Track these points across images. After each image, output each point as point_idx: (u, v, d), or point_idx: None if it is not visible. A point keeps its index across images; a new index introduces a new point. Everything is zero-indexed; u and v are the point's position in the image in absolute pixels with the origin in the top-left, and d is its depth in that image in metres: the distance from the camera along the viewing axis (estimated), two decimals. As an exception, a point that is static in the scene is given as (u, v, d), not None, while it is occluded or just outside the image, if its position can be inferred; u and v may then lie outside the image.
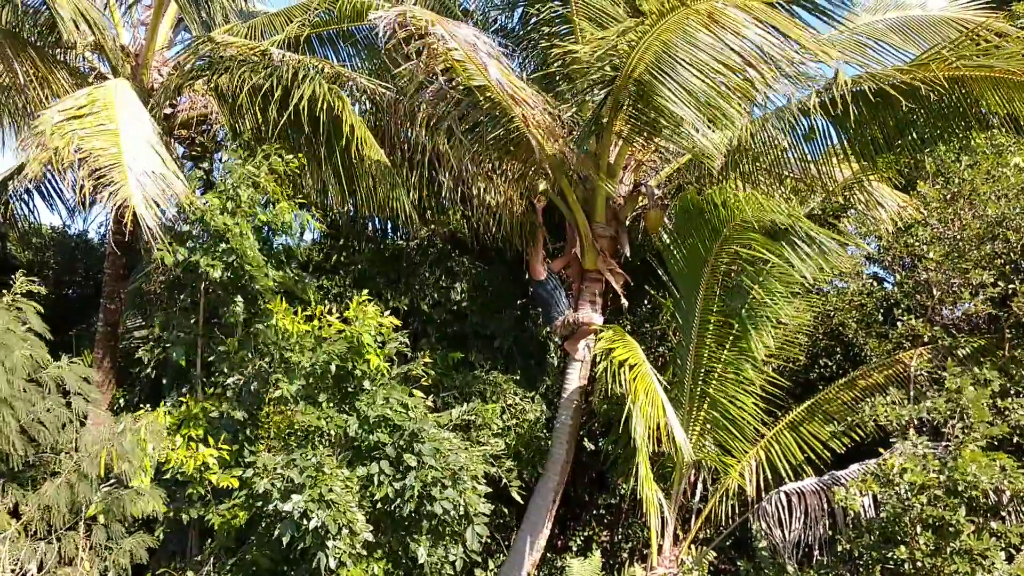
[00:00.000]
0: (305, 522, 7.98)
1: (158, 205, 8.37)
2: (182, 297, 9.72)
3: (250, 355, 9.31)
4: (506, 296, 12.53)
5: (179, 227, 9.30)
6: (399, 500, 8.34)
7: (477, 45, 8.73)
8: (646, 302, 12.69)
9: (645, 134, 9.62)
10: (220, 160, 10.13)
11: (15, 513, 8.39)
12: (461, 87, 9.27)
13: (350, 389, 9.09)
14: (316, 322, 9.16)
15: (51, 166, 8.52)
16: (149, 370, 10.52)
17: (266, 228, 9.48)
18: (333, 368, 8.98)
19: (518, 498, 10.23)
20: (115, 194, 8.18)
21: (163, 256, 9.02)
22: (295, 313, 9.28)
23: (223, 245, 8.97)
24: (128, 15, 11.64)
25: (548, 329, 11.81)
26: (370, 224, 12.21)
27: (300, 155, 9.98)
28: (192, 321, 9.60)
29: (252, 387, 9.20)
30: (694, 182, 10.96)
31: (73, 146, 8.39)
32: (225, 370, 9.35)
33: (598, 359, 9.75)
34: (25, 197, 13.08)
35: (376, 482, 8.46)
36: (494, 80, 8.80)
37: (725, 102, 8.18)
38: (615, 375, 9.31)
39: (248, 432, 9.18)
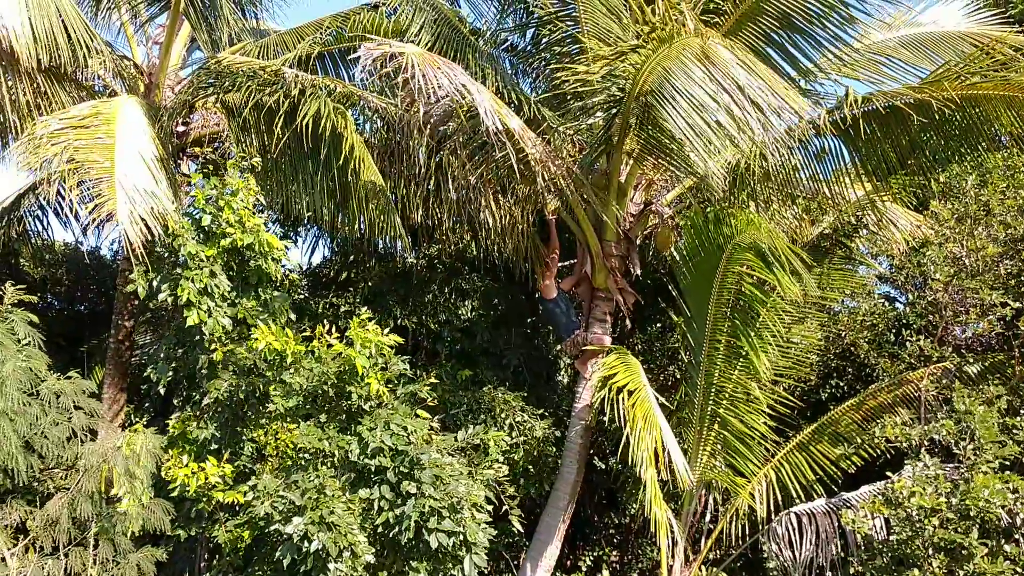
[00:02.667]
0: (306, 544, 7.94)
1: (145, 223, 8.41)
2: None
3: (229, 375, 9.31)
4: (515, 314, 12.52)
5: (159, 250, 9.28)
6: (398, 527, 8.30)
7: (468, 87, 8.52)
8: (657, 321, 12.65)
9: (654, 155, 9.61)
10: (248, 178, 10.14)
11: (22, 528, 8.41)
12: (464, 109, 9.25)
13: (351, 410, 9.05)
14: (316, 343, 9.14)
15: (38, 172, 8.54)
16: (160, 387, 10.53)
17: (243, 249, 9.35)
18: (329, 389, 8.97)
19: (518, 526, 10.18)
20: (101, 207, 8.23)
21: (138, 278, 9.06)
22: (298, 330, 9.30)
23: (182, 271, 8.92)
24: (142, 34, 11.75)
25: (558, 348, 11.78)
26: (380, 242, 12.21)
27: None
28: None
29: (231, 405, 9.22)
30: (705, 201, 10.92)
31: (66, 156, 8.43)
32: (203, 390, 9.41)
33: (599, 385, 9.72)
34: (39, 214, 13.16)
35: (376, 508, 8.43)
36: (488, 124, 8.59)
37: (716, 136, 8.13)
38: (614, 401, 9.33)
39: (238, 450, 9.17)
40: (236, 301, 9.30)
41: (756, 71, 7.80)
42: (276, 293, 9.65)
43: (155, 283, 9.14)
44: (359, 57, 8.30)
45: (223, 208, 9.13)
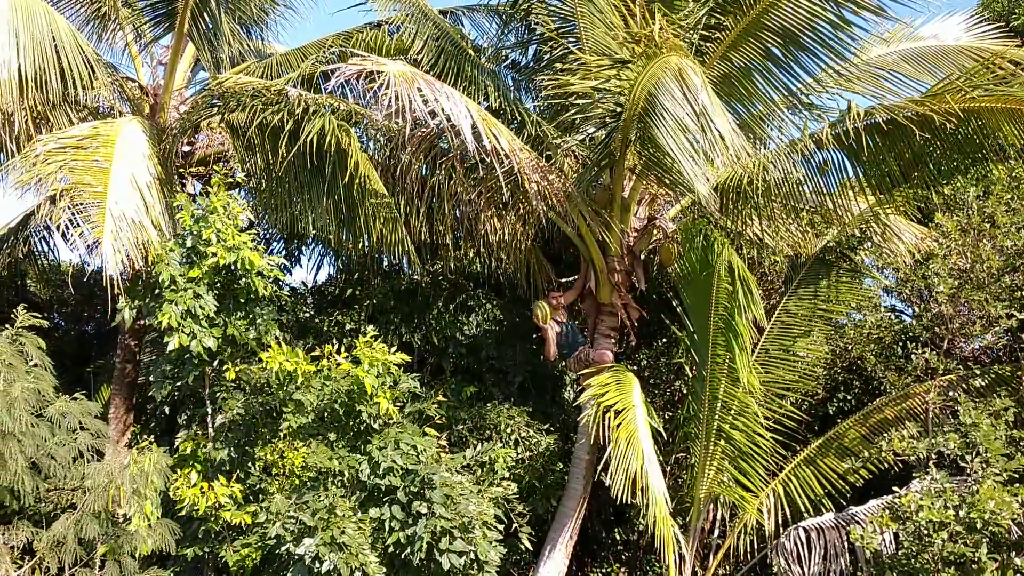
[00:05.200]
0: (318, 565, 7.93)
1: (127, 254, 8.44)
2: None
3: (240, 394, 9.30)
4: (520, 330, 12.51)
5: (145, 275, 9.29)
6: (410, 548, 8.29)
7: (452, 110, 8.51)
8: (663, 336, 12.63)
9: (654, 170, 9.63)
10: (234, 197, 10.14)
11: (28, 550, 8.41)
12: (451, 126, 9.19)
13: (360, 429, 9.04)
14: (325, 362, 9.13)
15: (35, 191, 8.58)
16: (164, 406, 10.53)
17: (230, 266, 9.33)
18: (339, 407, 8.96)
19: (528, 545, 10.14)
20: (90, 232, 8.28)
21: (124, 304, 9.09)
22: (308, 348, 9.30)
23: (168, 294, 8.91)
24: (147, 55, 11.82)
25: (563, 364, 11.76)
26: (385, 259, 12.24)
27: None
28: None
29: (242, 425, 9.20)
30: (706, 216, 10.92)
31: (61, 177, 8.47)
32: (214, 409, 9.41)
33: (587, 404, 9.73)
34: (45, 234, 13.19)
35: (388, 528, 8.41)
36: (469, 146, 8.66)
37: (696, 155, 8.13)
38: (601, 421, 9.36)
39: (248, 468, 9.16)
40: (224, 321, 9.29)
41: (712, 96, 7.83)
42: (262, 310, 9.61)
43: (139, 306, 9.17)
44: (334, 71, 8.33)
45: (207, 227, 9.17)
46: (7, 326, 8.66)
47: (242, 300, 9.45)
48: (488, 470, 9.88)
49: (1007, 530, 8.40)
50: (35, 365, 8.61)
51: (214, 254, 9.05)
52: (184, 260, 9.15)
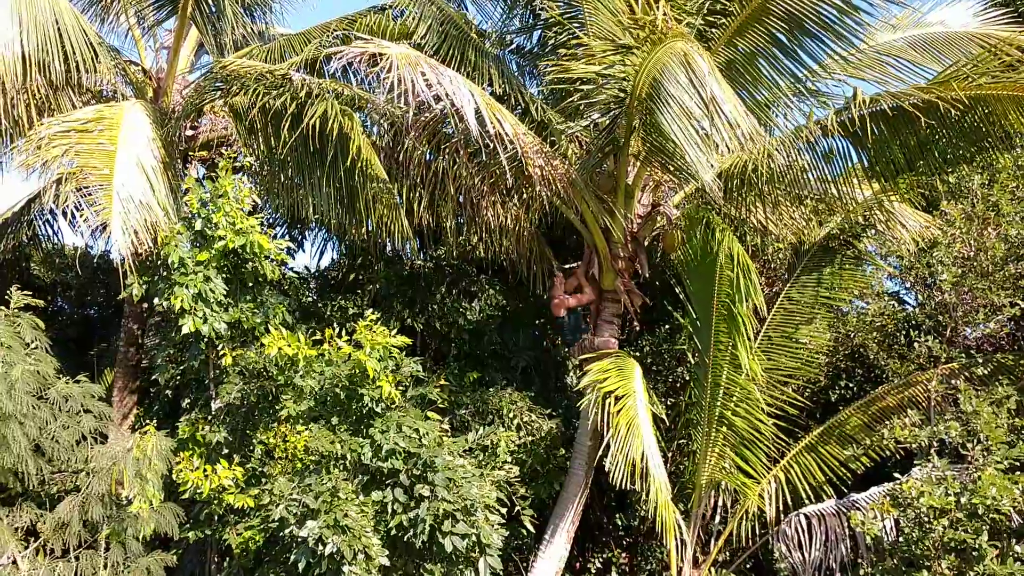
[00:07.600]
0: (321, 547, 7.96)
1: (137, 234, 8.45)
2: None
3: (239, 378, 9.33)
4: (524, 315, 12.52)
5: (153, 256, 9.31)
6: (412, 530, 8.32)
7: (455, 93, 8.44)
8: (666, 322, 12.63)
9: (658, 157, 9.60)
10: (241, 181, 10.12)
11: (32, 531, 8.46)
12: (454, 111, 9.15)
13: (362, 413, 9.07)
14: (326, 346, 9.14)
15: (39, 173, 8.60)
16: (167, 390, 10.55)
17: (238, 250, 9.35)
18: (340, 391, 8.98)
19: (531, 527, 10.17)
20: (97, 215, 8.29)
21: (134, 283, 9.11)
22: (310, 332, 9.30)
23: (178, 277, 8.95)
24: (151, 39, 11.79)
25: (566, 349, 11.78)
26: (387, 244, 12.22)
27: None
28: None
29: (241, 408, 9.23)
30: (710, 203, 10.90)
31: (66, 159, 8.47)
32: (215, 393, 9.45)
33: (588, 390, 9.74)
34: (49, 218, 13.20)
35: (390, 510, 8.44)
36: (472, 130, 8.59)
37: (702, 142, 8.10)
38: (600, 407, 9.38)
39: (248, 452, 9.18)
40: (232, 304, 9.30)
41: (720, 80, 7.78)
42: (271, 293, 9.62)
43: (149, 287, 9.19)
44: (336, 54, 8.29)
45: (216, 211, 9.15)
46: (6, 308, 8.68)
47: (250, 284, 9.47)
48: (490, 454, 9.89)
49: (1007, 517, 8.43)
50: (35, 347, 8.62)
51: (222, 238, 9.06)
52: (193, 243, 9.16)
